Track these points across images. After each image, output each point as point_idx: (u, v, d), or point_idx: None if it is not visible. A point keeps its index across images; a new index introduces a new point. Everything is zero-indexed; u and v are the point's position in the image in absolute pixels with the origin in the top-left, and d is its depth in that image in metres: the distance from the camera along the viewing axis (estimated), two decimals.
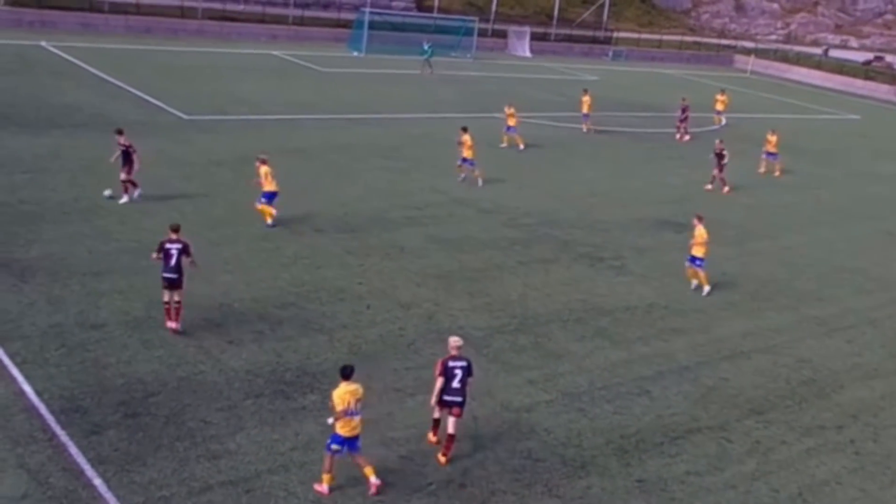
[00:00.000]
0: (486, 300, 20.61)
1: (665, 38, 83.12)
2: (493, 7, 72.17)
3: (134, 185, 24.07)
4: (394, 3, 69.03)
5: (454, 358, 14.05)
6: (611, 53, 75.58)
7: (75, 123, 31.13)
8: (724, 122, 47.80)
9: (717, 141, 34.77)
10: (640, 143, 40.61)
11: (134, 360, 15.96)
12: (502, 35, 70.63)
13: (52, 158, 26.40)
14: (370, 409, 15.30)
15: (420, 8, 70.88)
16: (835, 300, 23.71)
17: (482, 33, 67.15)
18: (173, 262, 16.86)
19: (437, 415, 14.39)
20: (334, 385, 15.79)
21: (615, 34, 79.42)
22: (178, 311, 17.09)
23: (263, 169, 23.54)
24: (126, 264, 19.94)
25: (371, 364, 16.90)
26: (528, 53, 69.53)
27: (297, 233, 23.44)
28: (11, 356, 15.47)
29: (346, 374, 12.94)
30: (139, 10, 55.98)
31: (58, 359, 15.62)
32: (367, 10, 60.46)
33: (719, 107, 47.87)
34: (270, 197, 23.59)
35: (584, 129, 41.03)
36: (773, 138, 37.40)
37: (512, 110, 36.81)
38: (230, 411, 14.74)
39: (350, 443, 12.96)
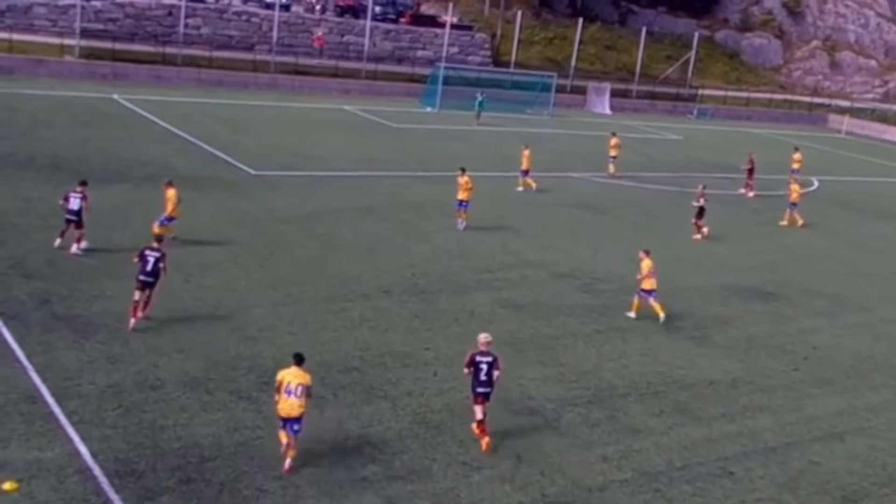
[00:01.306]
0: (559, 370, 20.42)
1: (753, 95, 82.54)
2: (573, 62, 72.64)
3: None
4: (469, 59, 70.03)
5: (482, 353, 16.30)
6: (695, 111, 75.27)
7: (143, 177, 32.04)
8: (815, 184, 47.15)
9: (699, 187, 34.58)
10: (725, 206, 40.13)
11: (191, 422, 16.15)
12: (581, 91, 70.96)
13: (117, 213, 27.14)
14: (433, 482, 15.24)
15: (497, 63, 71.72)
16: None
17: (560, 89, 67.50)
18: (149, 267, 19.77)
19: (479, 415, 16.41)
20: (397, 455, 15.88)
21: (700, 91, 79.15)
22: (146, 304, 19.82)
23: (171, 192, 25.04)
24: (187, 323, 20.31)
25: (436, 434, 16.81)
26: (607, 110, 69.65)
27: (362, 294, 23.60)
28: (69, 415, 15.79)
29: (298, 360, 15.30)
30: (211, 64, 57.74)
31: (114, 419, 15.90)
32: (442, 64, 61.39)
33: (795, 166, 47.61)
34: (171, 220, 25.16)
35: (611, 172, 42.88)
36: (795, 187, 37.68)
37: (527, 152, 37.72)
38: (288, 480, 14.76)
39: (288, 422, 14.96)
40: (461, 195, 30.60)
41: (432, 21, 71.52)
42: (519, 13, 71.72)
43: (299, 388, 14.96)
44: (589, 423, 18.07)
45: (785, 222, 37.55)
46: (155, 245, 20.22)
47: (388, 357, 19.91)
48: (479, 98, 56.29)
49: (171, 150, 37.72)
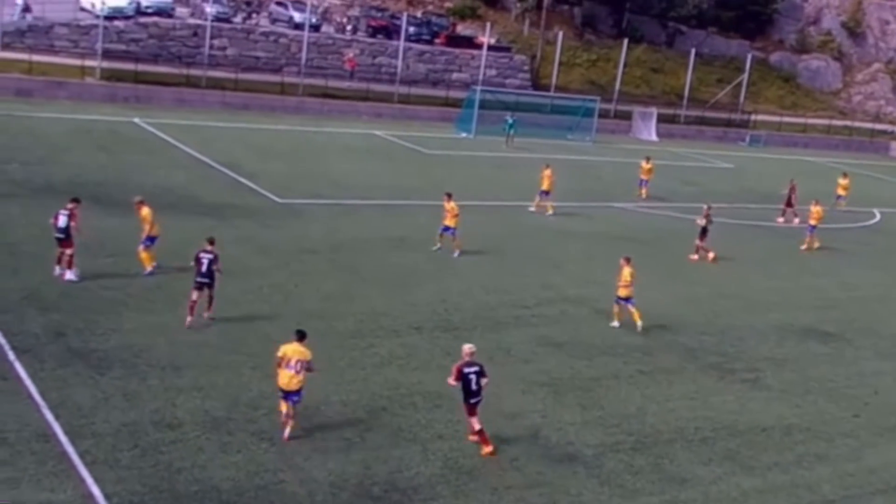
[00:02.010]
0: (600, 413, 20.31)
1: (810, 121, 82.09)
2: (617, 86, 72.72)
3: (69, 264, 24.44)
4: (508, 82, 70.31)
5: (468, 364, 17.51)
6: (748, 138, 74.97)
7: (163, 205, 32.17)
8: (877, 216, 46.80)
9: (704, 207, 35.13)
10: (780, 240, 39.87)
11: (210, 464, 16.21)
12: (626, 116, 70.99)
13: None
14: None
15: (536, 86, 71.93)
16: None
17: (603, 114, 67.53)
18: (204, 268, 22.12)
19: (477, 426, 17.63)
20: (427, 502, 15.85)
21: (753, 117, 78.84)
22: (209, 304, 22.36)
23: (145, 210, 25.32)
24: (208, 359, 20.45)
25: (468, 481, 16.75)
26: (654, 137, 69.58)
27: (392, 330, 23.64)
28: (82, 455, 15.91)
29: (300, 336, 17.43)
30: (237, 86, 58.41)
31: (129, 460, 15.99)
32: (479, 88, 61.68)
33: (840, 191, 48.26)
34: (153, 241, 25.35)
35: (642, 195, 44.79)
36: (816, 209, 38.27)
37: (549, 171, 38.76)
38: None
39: (288, 395, 17.18)
40: (448, 221, 31.07)
41: (469, 42, 71.86)
42: (560, 34, 72.00)
43: (298, 364, 17.14)
44: (632, 471, 17.92)
45: (805, 246, 38.21)
46: (208, 247, 22.49)
47: (419, 397, 19.89)
48: (509, 120, 56.70)
49: (193, 177, 38.15)
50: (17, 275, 24.21)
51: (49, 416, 17.08)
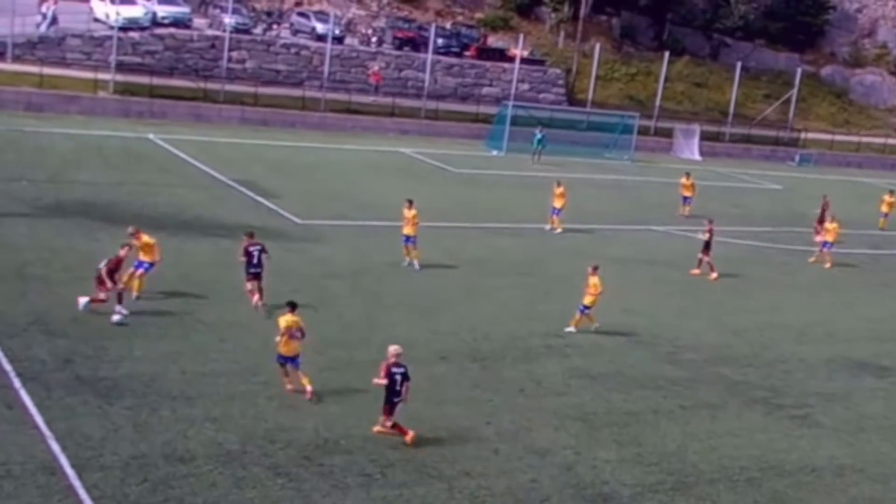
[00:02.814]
0: (638, 451, 20.19)
1: (864, 140, 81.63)
2: (657, 101, 72.66)
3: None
4: (541, 96, 70.48)
5: (396, 365, 18.92)
6: (797, 157, 74.61)
7: (177, 226, 32.61)
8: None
9: (706, 221, 35.75)
10: (832, 266, 39.56)
11: (223, 500, 16.24)
12: (667, 134, 70.89)
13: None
14: None
15: (572, 101, 72.03)
16: None
17: (643, 131, 67.52)
18: (255, 260, 25.02)
19: (390, 423, 19.04)
20: None
21: (803, 135, 78.49)
22: (261, 291, 25.14)
23: (145, 238, 25.46)
24: (222, 388, 20.52)
25: None
26: (696, 156, 69.38)
27: (417, 360, 23.47)
28: (89, 489, 15.99)
29: (293, 307, 20.33)
30: (256, 101, 58.84)
31: (138, 495, 16.05)
32: (511, 103, 61.80)
33: (884, 209, 49.04)
34: (151, 266, 25.55)
35: (685, 214, 45.52)
36: (832, 226, 39.23)
37: (562, 189, 39.28)
38: None
39: (290, 360, 20.17)
40: (407, 230, 31.22)
41: (500, 55, 72.05)
42: (597, 46, 72.08)
43: (299, 332, 20.13)
44: None
45: (813, 259, 39.61)
46: (249, 240, 25.31)
47: (444, 432, 19.86)
48: (538, 135, 56.94)
49: (209, 196, 38.43)
50: (24, 298, 24.44)
51: (55, 447, 17.18)
